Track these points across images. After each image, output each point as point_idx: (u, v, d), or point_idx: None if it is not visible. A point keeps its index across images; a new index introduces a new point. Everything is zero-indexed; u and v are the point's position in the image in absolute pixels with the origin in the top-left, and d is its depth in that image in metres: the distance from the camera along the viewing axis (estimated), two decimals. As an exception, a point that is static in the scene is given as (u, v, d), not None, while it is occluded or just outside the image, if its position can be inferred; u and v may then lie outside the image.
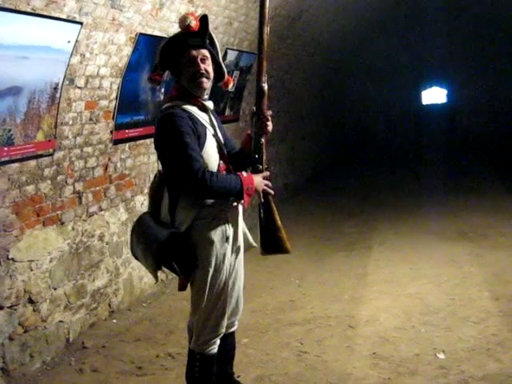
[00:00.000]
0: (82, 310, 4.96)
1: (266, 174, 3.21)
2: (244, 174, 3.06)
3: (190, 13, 3.09)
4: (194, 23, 3.02)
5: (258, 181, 3.12)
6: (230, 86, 3.37)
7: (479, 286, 5.49)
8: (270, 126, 3.22)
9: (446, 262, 6.31)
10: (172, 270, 3.05)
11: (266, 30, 3.16)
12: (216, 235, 3.06)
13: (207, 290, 3.07)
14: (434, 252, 6.75)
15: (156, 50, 3.12)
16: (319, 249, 7.37)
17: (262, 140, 3.21)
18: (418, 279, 5.85)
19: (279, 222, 3.28)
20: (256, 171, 3.18)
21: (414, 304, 5.21)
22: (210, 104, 3.17)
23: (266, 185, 3.19)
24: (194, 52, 3.04)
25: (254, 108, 3.21)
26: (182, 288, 3.16)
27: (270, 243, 3.27)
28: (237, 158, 3.27)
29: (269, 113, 3.22)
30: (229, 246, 3.14)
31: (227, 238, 3.12)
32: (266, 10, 3.16)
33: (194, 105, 3.07)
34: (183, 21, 3.01)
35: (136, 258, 3.29)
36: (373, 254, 6.94)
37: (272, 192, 3.21)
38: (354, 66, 15.18)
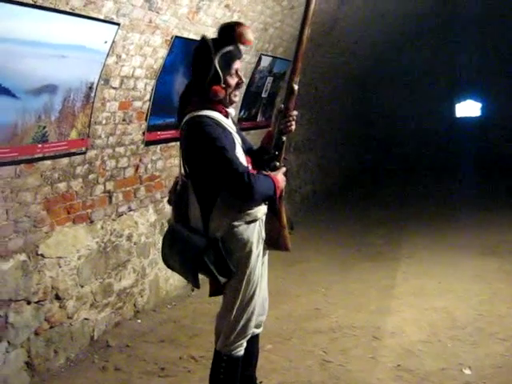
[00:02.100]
0: (107, 309, 4.99)
1: (284, 169, 3.22)
2: (271, 174, 3.07)
3: (245, 25, 3.06)
4: (252, 38, 3.06)
5: (280, 178, 3.14)
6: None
7: (508, 303, 5.39)
8: (293, 125, 3.22)
9: (474, 278, 6.21)
10: (211, 276, 3.03)
11: (307, 31, 3.14)
12: (253, 237, 3.07)
13: (241, 291, 3.08)
14: (462, 267, 6.65)
15: (205, 57, 3.02)
16: (346, 258, 7.32)
17: (284, 138, 3.21)
18: (446, 293, 5.77)
19: (285, 220, 3.29)
20: (274, 168, 3.18)
21: (441, 318, 5.14)
22: (231, 111, 3.18)
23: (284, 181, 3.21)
24: (239, 64, 3.08)
25: (282, 106, 3.21)
26: (215, 293, 3.17)
27: (273, 239, 3.26)
28: (256, 155, 3.27)
29: (294, 113, 3.21)
30: (261, 247, 3.17)
31: (262, 239, 3.16)
32: (311, 11, 3.13)
33: (218, 112, 3.06)
34: (245, 35, 3.00)
35: (170, 268, 3.27)
36: (401, 265, 6.87)
37: (283, 192, 3.23)
38: (386, 76, 15.08)
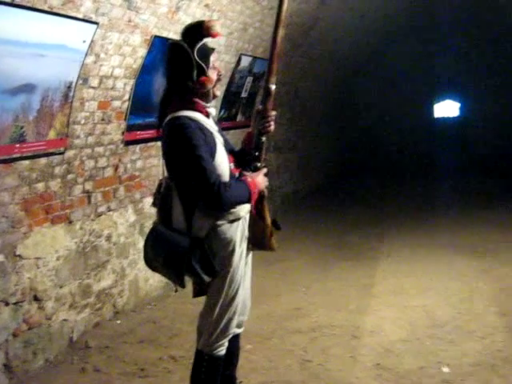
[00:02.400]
0: (86, 310, 4.96)
1: (265, 170, 3.24)
2: (249, 179, 3.07)
3: (212, 20, 3.11)
4: (220, 30, 3.07)
5: (260, 180, 3.16)
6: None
7: (486, 301, 5.45)
8: (272, 125, 3.24)
9: (453, 276, 6.27)
10: (195, 276, 3.03)
11: (281, 32, 3.17)
12: (236, 236, 3.08)
13: (225, 290, 3.08)
14: (441, 265, 6.71)
15: (183, 52, 3.02)
16: (327, 257, 7.34)
17: (263, 139, 3.22)
18: (425, 292, 5.82)
19: (269, 220, 3.30)
20: (255, 169, 3.20)
21: (420, 316, 5.18)
22: (212, 110, 3.18)
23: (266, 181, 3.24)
24: (215, 56, 3.10)
25: (260, 107, 3.23)
26: (199, 294, 3.18)
27: (258, 239, 3.27)
28: (237, 157, 3.28)
29: (273, 113, 3.24)
30: (245, 245, 3.17)
31: (245, 238, 3.17)
32: (283, 13, 3.17)
33: (199, 112, 3.07)
34: (213, 27, 3.02)
35: (153, 269, 3.27)
36: (380, 264, 6.91)
37: (266, 192, 3.26)
38: (367, 76, 15.15)
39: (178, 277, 3.03)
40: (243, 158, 3.25)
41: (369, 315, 5.28)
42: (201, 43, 3.01)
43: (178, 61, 3.04)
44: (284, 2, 3.17)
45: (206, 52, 3.04)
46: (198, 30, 3.02)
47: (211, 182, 2.85)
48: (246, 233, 3.19)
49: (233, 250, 3.07)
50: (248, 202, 3.05)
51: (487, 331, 4.77)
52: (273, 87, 3.21)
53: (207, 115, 3.12)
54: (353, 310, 5.44)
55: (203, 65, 2.99)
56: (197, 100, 3.06)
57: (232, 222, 3.06)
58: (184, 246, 2.95)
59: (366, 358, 4.41)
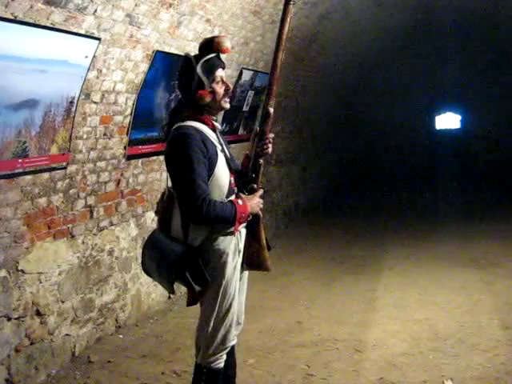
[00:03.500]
0: (88, 324, 4.95)
1: (261, 192, 3.27)
2: (240, 201, 3.08)
3: (222, 35, 3.17)
4: (230, 46, 3.12)
5: (254, 202, 3.18)
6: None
7: (489, 314, 5.43)
8: (270, 148, 3.29)
9: (456, 289, 6.26)
10: (186, 284, 3.06)
11: (281, 55, 3.22)
12: (230, 248, 3.11)
13: (218, 302, 3.11)
14: (444, 278, 6.70)
15: (188, 67, 3.10)
16: (328, 271, 7.34)
17: (261, 161, 3.26)
18: (428, 305, 5.80)
19: (264, 241, 3.34)
20: (251, 191, 3.23)
21: (423, 330, 5.16)
22: (217, 125, 3.23)
23: (260, 204, 3.25)
24: (222, 72, 3.13)
25: (257, 129, 3.28)
26: (192, 303, 3.21)
27: (253, 260, 3.31)
28: (239, 177, 3.31)
29: (271, 135, 3.29)
30: (239, 259, 3.20)
31: (239, 251, 3.19)
32: (284, 36, 3.22)
33: (205, 124, 3.10)
34: (222, 43, 3.08)
35: (148, 274, 3.33)
36: (382, 278, 6.90)
37: (261, 214, 3.27)
38: (367, 89, 15.19)
39: (168, 282, 3.10)
40: (241, 180, 3.28)
41: (372, 329, 5.27)
42: (206, 57, 3.07)
43: (182, 73, 3.13)
44: (285, 26, 3.21)
45: (211, 67, 3.08)
46: (207, 45, 3.10)
47: (195, 196, 2.89)
48: (241, 246, 3.22)
49: (225, 262, 3.10)
50: (231, 223, 3.04)
51: (490, 344, 4.75)
52: (271, 110, 3.25)
53: (213, 128, 3.15)
54: (355, 323, 5.43)
55: (203, 78, 3.04)
56: (204, 112, 3.12)
57: (226, 234, 3.09)
58: (176, 253, 3.01)
59: (368, 371, 4.39)
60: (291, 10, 3.24)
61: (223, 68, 3.15)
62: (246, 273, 3.42)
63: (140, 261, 3.39)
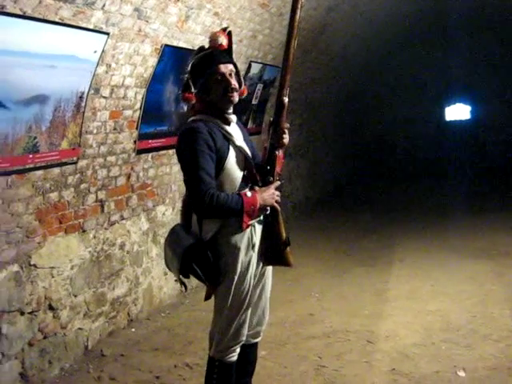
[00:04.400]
0: (101, 318, 4.98)
1: (277, 183, 3.20)
2: (248, 193, 3.03)
3: (219, 31, 3.14)
4: (225, 42, 3.09)
5: (267, 194, 3.11)
6: (244, 95, 3.36)
7: (501, 305, 5.42)
8: (286, 138, 3.22)
9: (467, 280, 6.24)
10: (198, 278, 3.07)
11: (294, 43, 3.14)
12: (242, 242, 3.08)
13: (231, 297, 3.09)
14: (455, 269, 6.68)
15: (185, 67, 3.14)
16: (339, 263, 7.34)
17: (277, 152, 3.19)
18: (439, 296, 5.79)
19: (284, 235, 3.25)
20: (267, 182, 3.17)
21: (435, 321, 5.15)
22: (233, 117, 3.19)
23: (277, 196, 3.18)
24: (224, 68, 3.08)
25: (272, 119, 3.22)
26: (208, 297, 3.20)
27: (273, 255, 3.23)
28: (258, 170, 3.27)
29: (286, 125, 3.22)
30: (254, 254, 3.15)
31: (253, 246, 3.13)
32: (296, 23, 3.13)
33: (218, 118, 3.09)
34: (215, 40, 3.07)
35: (167, 267, 3.33)
36: (393, 269, 6.89)
37: (278, 207, 3.20)
38: (376, 81, 15.13)
39: (178, 275, 3.12)
40: (260, 172, 3.23)
41: (383, 320, 5.27)
42: (197, 56, 3.09)
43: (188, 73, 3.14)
44: (296, 12, 3.12)
45: (201, 66, 3.07)
46: (209, 41, 3.12)
47: (198, 189, 2.88)
48: (255, 241, 3.15)
49: (237, 257, 3.07)
50: (238, 216, 2.99)
51: (503, 334, 4.74)
52: (286, 99, 3.19)
53: (226, 122, 3.13)
54: (367, 315, 5.43)
55: (190, 81, 3.07)
56: (214, 106, 3.11)
57: (237, 228, 3.05)
58: (184, 246, 3.03)
59: (381, 363, 4.39)
60: None
61: (225, 63, 3.09)
62: (270, 268, 3.36)
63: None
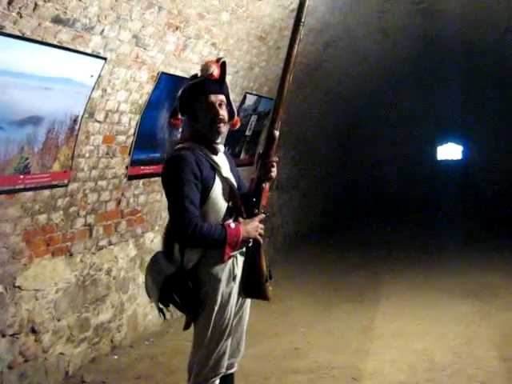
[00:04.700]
0: (83, 344, 4.92)
1: (262, 216, 3.19)
2: (232, 225, 3.02)
3: (212, 61, 3.14)
4: (216, 72, 3.08)
5: (251, 227, 3.09)
6: (237, 127, 3.38)
7: (487, 346, 5.39)
8: (274, 171, 3.22)
9: (454, 320, 6.21)
10: (177, 307, 3.04)
11: (289, 77, 3.16)
12: (223, 273, 3.06)
13: (211, 328, 3.05)
14: (442, 309, 6.66)
15: (176, 95, 3.16)
16: (327, 298, 7.30)
17: (264, 185, 3.20)
18: (426, 335, 5.76)
19: (265, 269, 3.23)
20: (252, 215, 3.16)
21: (420, 360, 5.12)
22: (221, 147, 3.20)
23: (260, 229, 3.16)
24: (213, 98, 3.09)
25: (261, 151, 3.22)
26: (187, 326, 3.15)
27: (253, 288, 3.21)
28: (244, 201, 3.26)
29: (275, 159, 3.22)
30: (235, 286, 3.13)
31: (234, 277, 3.11)
32: (293, 58, 3.15)
33: (206, 147, 3.09)
34: (206, 69, 3.07)
35: (148, 295, 3.29)
36: (380, 307, 6.86)
37: (261, 240, 3.17)
38: (369, 117, 15.24)
39: (157, 303, 3.09)
40: (245, 204, 3.22)
41: (368, 357, 5.22)
42: (190, 83, 3.11)
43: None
44: (294, 47, 3.15)
45: (192, 93, 3.09)
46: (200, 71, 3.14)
47: (181, 218, 2.88)
48: (236, 272, 3.14)
49: (218, 287, 3.04)
50: (220, 247, 2.98)
51: (488, 376, 4.70)
52: (277, 133, 3.19)
53: (213, 151, 3.13)
54: (353, 351, 5.38)
55: (177, 107, 3.12)
56: (202, 135, 3.11)
57: (218, 259, 3.02)
58: (164, 274, 3.00)
59: (364, 400, 4.35)
60: (301, 31, 3.18)
61: (216, 93, 3.09)
62: (248, 300, 3.34)
63: (138, 286, 3.37)
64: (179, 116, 3.12)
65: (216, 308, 3.04)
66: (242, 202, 3.19)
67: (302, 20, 3.18)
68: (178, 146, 3.10)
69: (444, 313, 6.50)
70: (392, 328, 6.03)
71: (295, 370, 4.95)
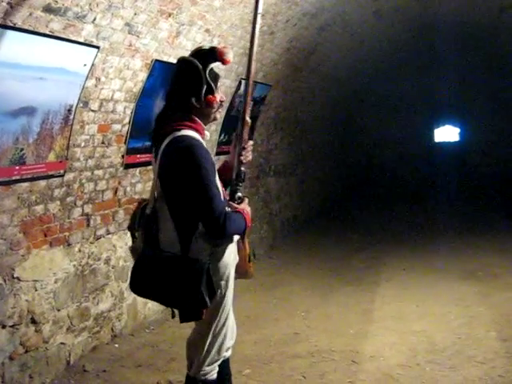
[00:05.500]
0: (84, 333, 4.93)
1: (247, 200, 3.22)
2: (244, 211, 3.07)
3: (226, 46, 3.15)
4: (231, 58, 3.09)
5: (248, 209, 3.15)
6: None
7: (487, 326, 5.41)
8: (250, 156, 3.25)
9: (453, 301, 6.24)
10: (196, 301, 2.92)
11: (254, 66, 3.27)
12: (230, 258, 3.08)
13: (219, 315, 3.06)
14: (441, 290, 6.68)
15: (198, 70, 3.04)
16: (326, 282, 7.32)
17: (243, 168, 3.21)
18: (425, 317, 5.78)
19: (248, 248, 3.30)
20: (239, 200, 3.17)
21: (420, 341, 5.14)
22: (207, 134, 3.19)
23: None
24: (220, 82, 3.14)
25: (235, 135, 3.27)
26: (189, 318, 3.07)
27: (240, 267, 3.25)
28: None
29: (250, 143, 3.25)
30: (233, 268, 3.17)
31: (236, 262, 3.17)
32: (255, 48, 3.26)
33: (198, 133, 3.06)
34: (226, 54, 3.05)
35: (144, 296, 3.25)
36: (380, 289, 6.88)
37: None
38: (366, 101, 15.24)
39: (196, 301, 2.91)
40: (226, 188, 3.22)
41: (368, 340, 5.25)
42: (212, 65, 3.05)
43: (188, 77, 3.04)
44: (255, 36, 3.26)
45: (216, 75, 3.08)
46: (211, 54, 3.06)
47: (217, 215, 2.84)
48: (236, 257, 3.19)
49: (229, 274, 3.07)
50: (243, 232, 3.08)
51: (488, 357, 4.72)
52: (248, 118, 3.25)
53: (203, 138, 3.11)
54: (352, 334, 5.41)
55: (213, 85, 3.04)
56: (197, 120, 3.07)
57: (228, 245, 3.06)
58: (199, 272, 2.87)
59: (365, 383, 4.37)
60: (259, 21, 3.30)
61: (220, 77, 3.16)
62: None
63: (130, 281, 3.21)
64: (215, 93, 3.06)
65: (228, 293, 3.06)
66: (225, 187, 3.20)
67: (259, 11, 3.29)
68: (179, 134, 2.96)
69: (443, 294, 6.52)
70: (392, 310, 6.05)
71: (295, 355, 4.98)
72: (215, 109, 3.11)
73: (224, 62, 3.06)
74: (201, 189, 2.86)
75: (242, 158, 3.19)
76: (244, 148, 3.20)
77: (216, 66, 3.07)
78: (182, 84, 3.07)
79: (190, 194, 2.91)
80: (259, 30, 3.27)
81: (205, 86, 3.01)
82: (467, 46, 12.74)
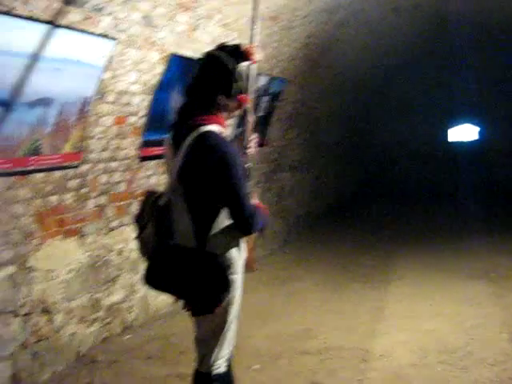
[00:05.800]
0: (95, 324, 4.96)
1: (255, 195, 3.19)
2: (261, 206, 3.09)
3: (254, 45, 3.14)
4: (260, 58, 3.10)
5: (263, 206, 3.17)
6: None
7: (499, 328, 5.37)
8: (253, 149, 3.23)
9: (466, 301, 6.20)
10: (214, 295, 2.95)
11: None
12: (242, 251, 3.07)
13: (230, 312, 3.04)
14: (454, 290, 6.64)
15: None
16: (338, 278, 7.30)
17: (249, 164, 3.15)
18: (437, 316, 5.75)
19: (252, 243, 3.32)
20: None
21: (431, 341, 5.11)
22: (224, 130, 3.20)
23: None
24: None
25: (239, 130, 3.27)
26: (200, 312, 3.07)
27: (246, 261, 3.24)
28: None
29: (253, 136, 3.24)
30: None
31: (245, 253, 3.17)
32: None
33: (223, 127, 3.04)
34: (256, 53, 3.05)
35: (160, 289, 3.19)
36: (391, 287, 6.86)
37: None
38: (383, 99, 15.13)
39: (211, 295, 2.93)
40: None
41: (379, 338, 5.23)
42: (243, 64, 3.00)
43: (217, 72, 2.98)
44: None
45: (247, 75, 3.03)
46: (240, 52, 3.03)
47: (248, 213, 2.87)
48: (244, 250, 3.17)
49: (241, 267, 3.07)
50: (264, 228, 3.08)
51: (499, 358, 4.69)
52: (250, 115, 3.21)
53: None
54: (363, 332, 5.39)
55: (245, 83, 3.00)
56: (223, 114, 3.05)
57: (242, 240, 3.06)
58: (217, 266, 2.89)
59: (374, 382, 4.35)
60: None
61: None
62: None
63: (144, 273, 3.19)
64: (247, 93, 3.06)
65: (239, 287, 3.05)
66: None
67: None
68: (208, 130, 2.91)
69: (456, 294, 6.48)
70: (403, 309, 6.02)
71: (305, 351, 4.97)
72: (241, 107, 3.10)
73: (253, 62, 3.05)
74: (233, 187, 2.86)
75: (246, 150, 3.16)
76: (247, 142, 3.18)
77: (247, 64, 3.02)
78: (209, 79, 3.00)
79: (219, 191, 2.89)
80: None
81: (236, 85, 2.97)
82: (487, 43, 12.61)
